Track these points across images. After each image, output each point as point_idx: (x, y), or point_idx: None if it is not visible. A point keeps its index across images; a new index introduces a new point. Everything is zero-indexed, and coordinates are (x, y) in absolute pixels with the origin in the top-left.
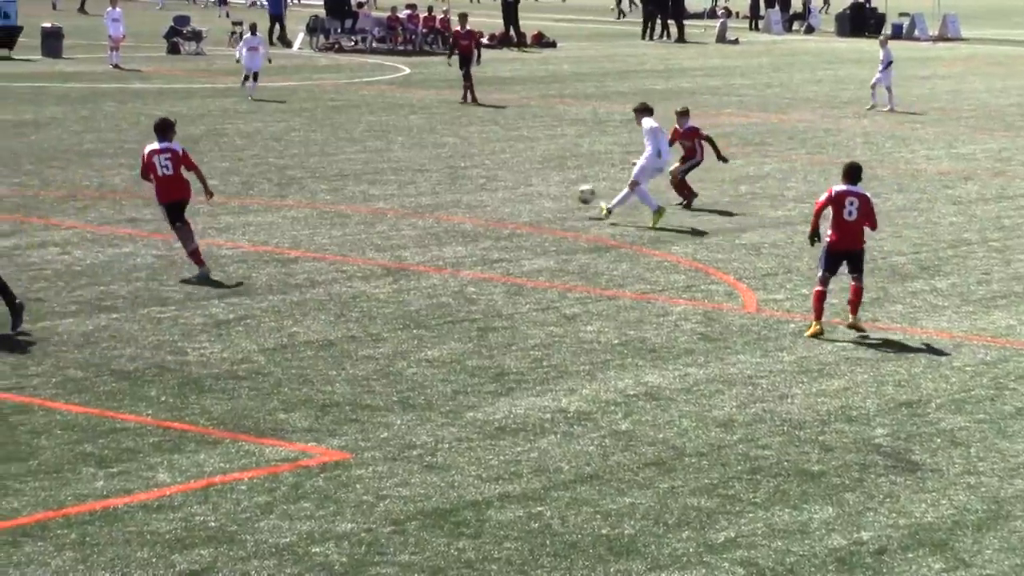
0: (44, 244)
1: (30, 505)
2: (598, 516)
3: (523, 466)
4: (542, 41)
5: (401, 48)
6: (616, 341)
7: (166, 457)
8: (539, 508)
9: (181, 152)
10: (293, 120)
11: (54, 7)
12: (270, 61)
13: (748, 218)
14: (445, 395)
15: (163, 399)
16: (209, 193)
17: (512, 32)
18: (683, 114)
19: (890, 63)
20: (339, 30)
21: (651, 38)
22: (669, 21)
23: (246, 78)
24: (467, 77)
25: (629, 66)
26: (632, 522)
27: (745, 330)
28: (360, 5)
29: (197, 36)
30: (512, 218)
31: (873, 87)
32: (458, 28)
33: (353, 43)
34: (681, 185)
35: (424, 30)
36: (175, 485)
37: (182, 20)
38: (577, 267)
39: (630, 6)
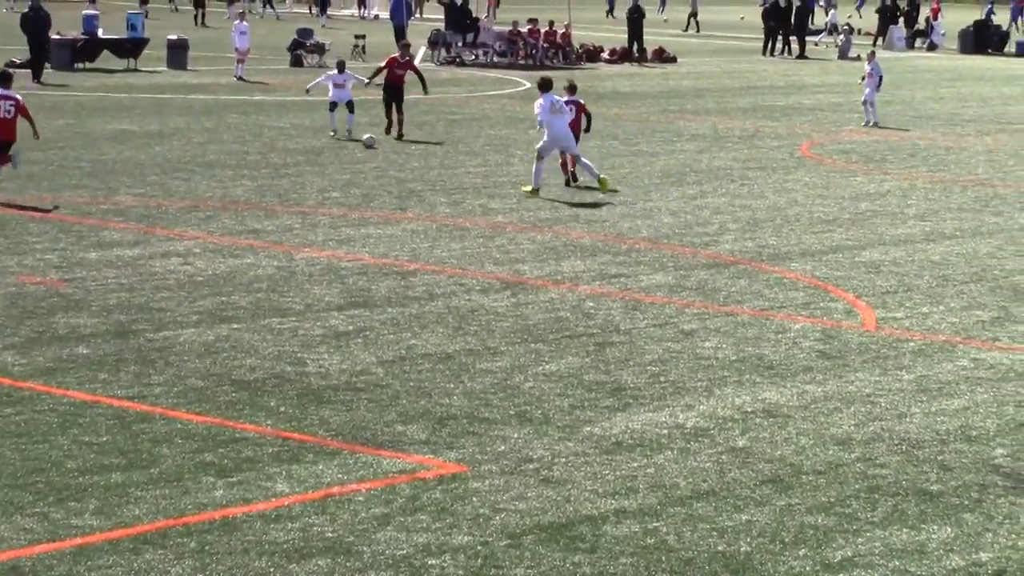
0: (167, 254)
1: (151, 513)
2: (714, 533)
3: (639, 481)
4: (663, 56)
5: (522, 62)
6: (734, 357)
7: (285, 467)
8: (655, 524)
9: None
10: (414, 133)
11: (175, 9)
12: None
13: (868, 235)
14: (562, 409)
15: (282, 410)
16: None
17: (634, 47)
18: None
19: (880, 78)
20: (460, 44)
21: (772, 54)
22: (791, 37)
23: (333, 105)
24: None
25: (749, 82)
26: (748, 539)
27: (864, 348)
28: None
29: (320, 49)
30: (631, 233)
31: (865, 104)
32: (395, 55)
33: (474, 57)
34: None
35: (545, 44)
36: (293, 495)
37: (305, 33)
38: (695, 283)
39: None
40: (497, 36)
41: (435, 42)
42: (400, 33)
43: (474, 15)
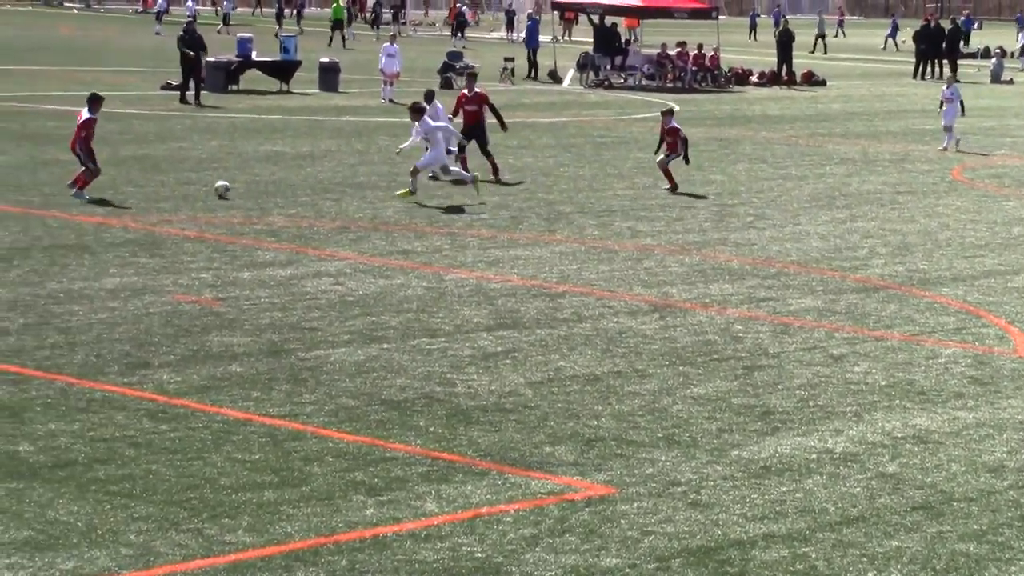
0: (319, 274)
1: (302, 531)
2: (864, 559)
3: (788, 506)
4: (812, 80)
5: (670, 85)
6: (884, 383)
7: (434, 487)
8: (804, 549)
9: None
10: (562, 156)
11: (330, 44)
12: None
13: (1021, 260)
14: (710, 433)
15: (432, 429)
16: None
17: (783, 70)
18: (667, 113)
19: (961, 103)
20: (609, 67)
21: (923, 77)
22: (943, 61)
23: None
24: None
25: (899, 105)
26: (899, 566)
27: (1017, 375)
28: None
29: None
30: (779, 256)
31: (946, 129)
32: (465, 91)
33: (622, 80)
34: (667, 172)
35: (694, 68)
36: (443, 515)
37: (455, 56)
38: (844, 307)
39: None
40: (646, 59)
41: (584, 65)
42: (533, 56)
43: (623, 38)
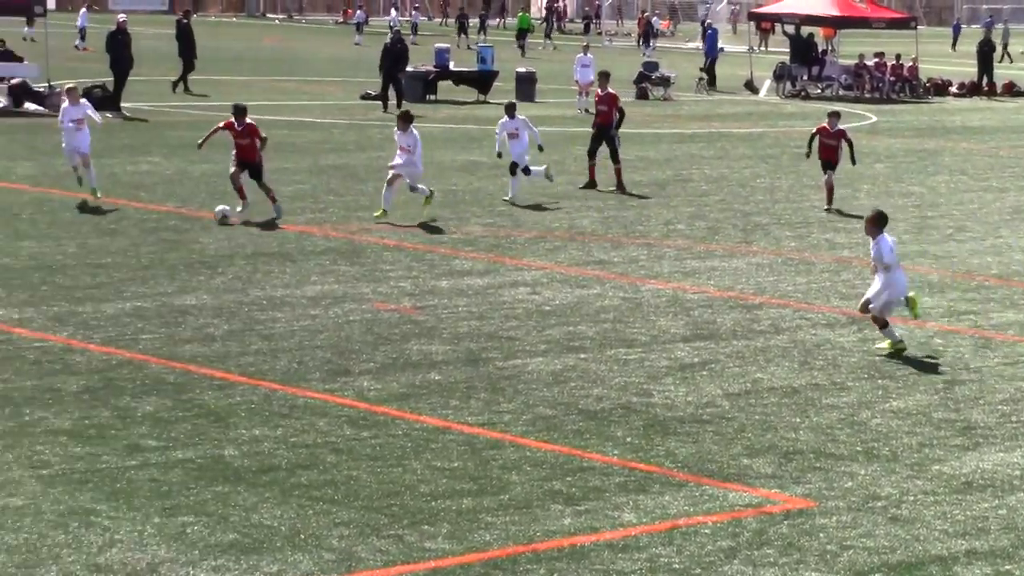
0: (515, 284)
1: (501, 539)
2: None
3: (991, 522)
4: (1013, 91)
5: (868, 96)
6: None
7: (631, 497)
8: (1008, 566)
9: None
10: (759, 166)
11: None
12: (541, 149)
13: None
14: (910, 447)
15: (629, 440)
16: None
17: (984, 81)
18: (834, 115)
19: None
20: (805, 77)
21: None
22: None
23: (517, 168)
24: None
25: None
26: None
27: None
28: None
29: (665, 82)
30: (980, 270)
31: None
32: (599, 90)
33: (819, 90)
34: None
35: (892, 78)
36: (640, 526)
37: (651, 66)
38: None
39: None
40: (843, 69)
41: (780, 75)
42: (712, 65)
43: (819, 48)
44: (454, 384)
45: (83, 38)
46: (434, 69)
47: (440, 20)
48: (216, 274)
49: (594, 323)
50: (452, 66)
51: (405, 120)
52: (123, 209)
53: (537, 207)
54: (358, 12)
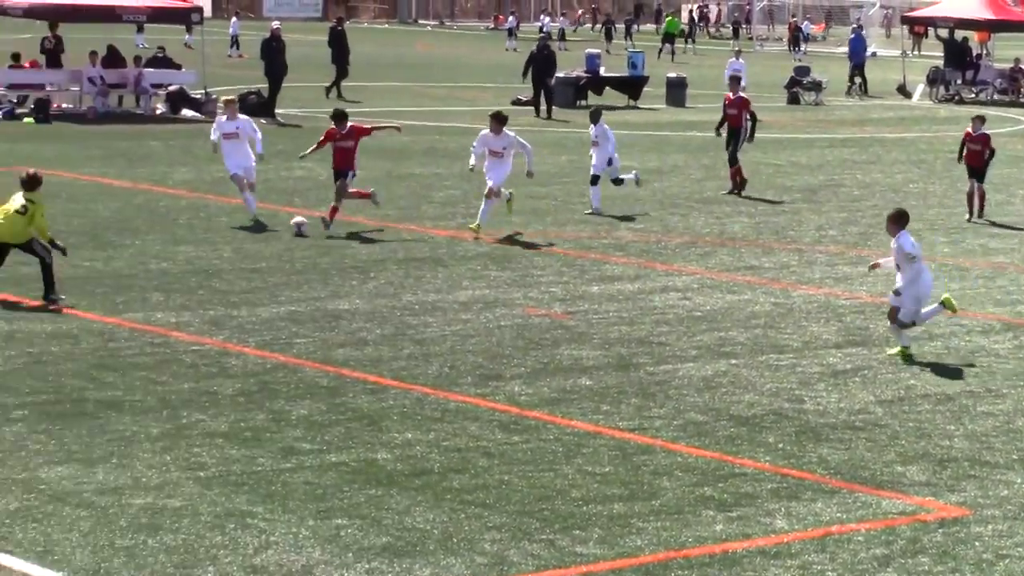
0: (666, 289)
1: (652, 544)
2: None
3: None
4: None
5: (1023, 100)
6: None
7: (783, 504)
8: None
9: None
10: (912, 172)
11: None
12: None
13: None
14: None
15: (781, 446)
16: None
17: None
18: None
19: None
20: (959, 81)
21: None
22: None
23: (598, 179)
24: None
25: None
26: None
27: None
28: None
29: (817, 87)
30: None
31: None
32: (729, 94)
33: (973, 95)
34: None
35: None
36: (793, 532)
37: (803, 71)
38: None
39: None
40: (998, 73)
41: (934, 79)
42: (858, 71)
43: (974, 52)
44: (605, 389)
45: (235, 45)
46: (585, 75)
47: (591, 26)
48: (368, 279)
49: (745, 329)
50: (603, 71)
51: (499, 121)
52: (277, 214)
53: (687, 213)
54: (510, 18)
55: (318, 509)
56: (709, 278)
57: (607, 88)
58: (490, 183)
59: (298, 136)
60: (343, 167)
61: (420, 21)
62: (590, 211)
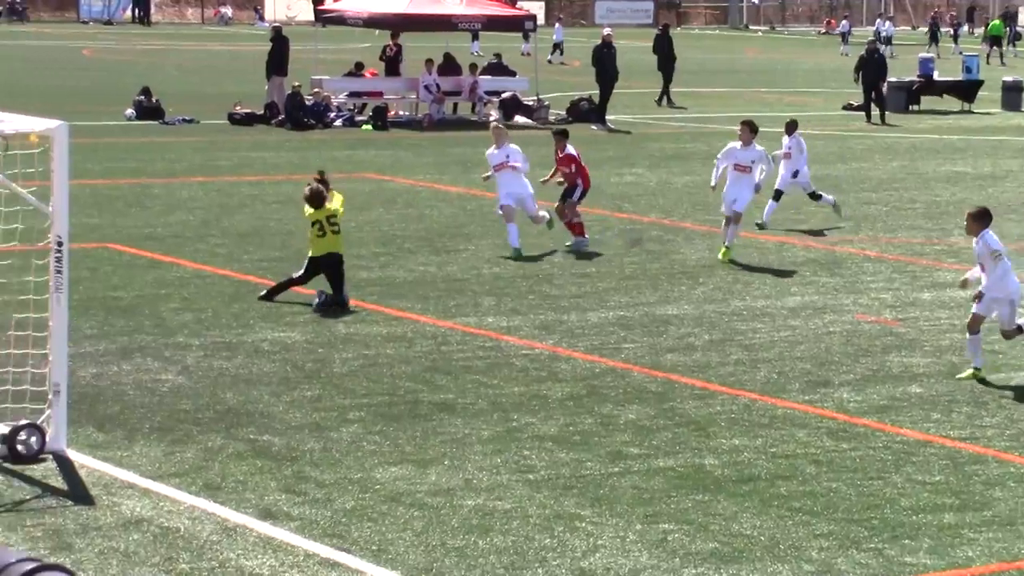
0: None
1: (984, 555)
2: None
3: None
4: None
5: None
6: None
7: None
8: None
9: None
10: None
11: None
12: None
13: None
14: None
15: None
16: None
17: None
18: None
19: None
20: None
21: None
22: None
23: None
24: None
25: None
26: None
27: None
28: None
29: None
30: None
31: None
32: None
33: None
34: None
35: None
36: None
37: None
38: None
39: None
40: None
41: None
42: None
43: None
44: (935, 397)
45: (558, 51)
46: (918, 79)
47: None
48: (697, 284)
49: None
50: (936, 75)
51: (752, 131)
52: (607, 219)
53: (1021, 219)
54: (843, 22)
55: (645, 513)
56: None
57: (942, 93)
58: (735, 207)
59: (628, 142)
60: (568, 183)
61: (751, 27)
62: (759, 222)
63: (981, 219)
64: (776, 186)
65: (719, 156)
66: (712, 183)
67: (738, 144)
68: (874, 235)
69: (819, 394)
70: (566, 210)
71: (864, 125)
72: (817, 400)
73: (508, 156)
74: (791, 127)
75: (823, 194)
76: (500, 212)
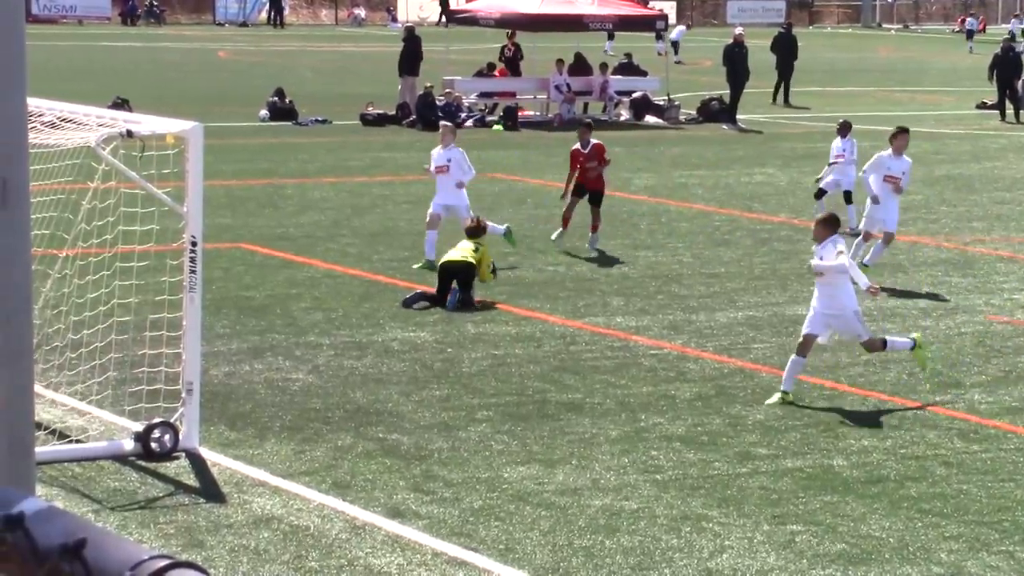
0: None
1: None
2: None
3: None
4: None
5: None
6: None
7: None
8: None
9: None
10: None
11: None
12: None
13: None
14: None
15: None
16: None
17: None
18: None
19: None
20: None
21: None
22: None
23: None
24: None
25: None
26: None
27: None
28: None
29: None
30: None
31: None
32: None
33: None
34: None
35: None
36: None
37: None
38: None
39: None
40: None
41: None
42: None
43: None
44: None
45: (675, 51)
46: None
47: None
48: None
49: None
50: None
51: (907, 137)
52: (737, 219)
53: None
54: (968, 19)
55: (773, 514)
56: None
57: None
58: (886, 227)
59: (758, 142)
60: (592, 187)
61: (884, 25)
62: (853, 228)
63: (828, 225)
64: (844, 189)
65: (867, 167)
66: (875, 194)
67: (888, 152)
68: (1007, 235)
69: (950, 395)
70: (600, 221)
71: (999, 124)
72: (948, 401)
73: (449, 160)
74: (844, 128)
75: (852, 204)
76: (427, 217)
